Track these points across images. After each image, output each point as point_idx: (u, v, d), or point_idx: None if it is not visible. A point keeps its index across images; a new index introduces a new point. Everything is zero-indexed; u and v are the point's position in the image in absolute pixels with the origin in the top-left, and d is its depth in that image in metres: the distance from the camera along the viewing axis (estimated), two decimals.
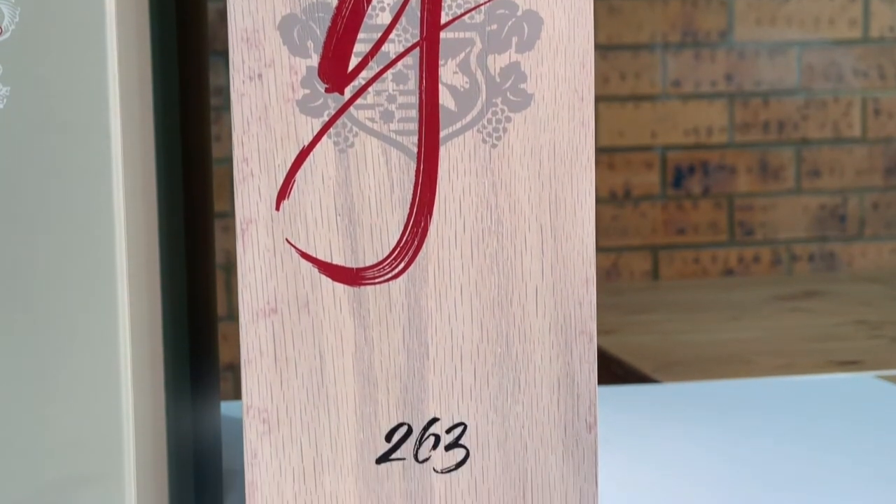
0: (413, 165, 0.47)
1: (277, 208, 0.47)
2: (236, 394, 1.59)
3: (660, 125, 1.91)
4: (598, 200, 1.92)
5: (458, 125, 0.47)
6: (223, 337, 1.80)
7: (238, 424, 0.78)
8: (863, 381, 0.97)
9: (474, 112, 0.47)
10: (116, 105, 0.45)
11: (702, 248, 1.93)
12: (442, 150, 0.47)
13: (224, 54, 1.80)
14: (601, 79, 1.89)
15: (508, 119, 0.47)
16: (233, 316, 1.87)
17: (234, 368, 1.80)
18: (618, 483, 0.68)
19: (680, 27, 1.90)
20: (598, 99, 1.90)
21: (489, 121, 0.47)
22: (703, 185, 1.92)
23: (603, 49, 1.89)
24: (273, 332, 0.47)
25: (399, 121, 0.47)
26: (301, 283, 0.47)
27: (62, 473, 0.46)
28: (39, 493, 0.46)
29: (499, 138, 0.47)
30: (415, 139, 0.47)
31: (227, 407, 0.84)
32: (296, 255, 0.47)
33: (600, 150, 1.90)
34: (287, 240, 0.47)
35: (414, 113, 0.47)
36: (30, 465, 0.46)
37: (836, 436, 0.75)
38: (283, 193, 0.47)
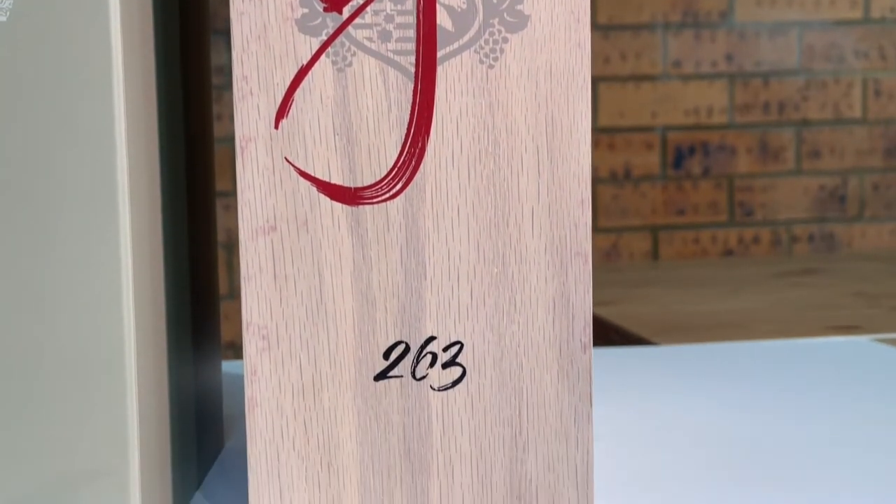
0: (410, 85, 0.47)
1: (276, 127, 0.47)
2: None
3: (660, 105, 1.91)
4: (598, 181, 1.93)
5: (456, 45, 0.47)
6: (224, 316, 1.80)
7: (238, 379, 0.78)
8: (860, 344, 0.97)
9: (471, 32, 0.47)
10: (120, 73, 0.46)
11: (702, 229, 1.93)
12: (439, 71, 0.47)
13: (225, 33, 1.80)
14: (601, 59, 1.90)
15: (505, 40, 0.47)
16: (233, 295, 1.87)
17: (235, 347, 1.80)
18: (608, 432, 0.68)
19: (680, 7, 1.90)
20: (599, 79, 1.90)
21: (486, 41, 0.47)
22: (703, 165, 1.92)
23: (604, 29, 1.89)
24: (272, 250, 0.48)
25: (397, 41, 0.47)
26: (300, 201, 0.47)
27: (69, 419, 0.47)
28: (50, 451, 0.47)
29: (496, 59, 0.47)
30: (412, 59, 0.47)
31: (227, 365, 0.85)
32: (294, 174, 0.47)
33: (600, 131, 1.90)
34: (286, 158, 0.47)
35: (411, 33, 0.47)
36: (42, 421, 0.47)
37: (834, 394, 0.76)
38: (282, 112, 0.47)
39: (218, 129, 1.78)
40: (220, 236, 1.88)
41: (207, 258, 0.62)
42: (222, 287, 1.89)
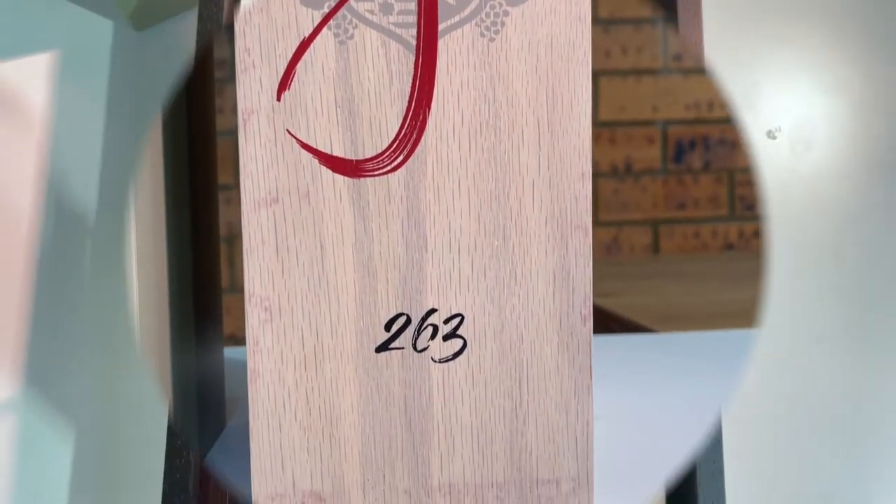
0: (412, 58, 0.48)
1: (278, 99, 0.47)
2: None
3: (661, 100, 1.91)
4: (598, 175, 1.93)
5: (457, 18, 0.48)
6: (226, 309, 1.80)
7: (240, 365, 0.78)
8: None
9: (472, 6, 0.47)
10: None
11: (702, 223, 1.93)
12: (440, 43, 0.47)
13: (227, 27, 1.80)
14: (602, 53, 1.90)
15: (506, 13, 0.48)
16: (235, 288, 1.87)
17: (236, 339, 1.80)
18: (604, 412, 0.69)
19: None
20: (599, 73, 1.90)
21: (487, 14, 0.48)
22: (703, 159, 1.93)
23: (604, 23, 1.89)
24: (274, 222, 0.48)
25: (398, 13, 0.47)
26: (302, 173, 0.48)
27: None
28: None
29: (497, 32, 0.48)
30: (413, 32, 0.47)
31: (231, 351, 0.85)
32: (296, 146, 0.48)
33: (601, 125, 1.90)
34: (288, 130, 0.48)
35: (413, 6, 0.47)
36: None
37: None
38: (284, 84, 0.47)
39: (220, 122, 1.78)
40: (222, 230, 1.88)
41: (209, 251, 0.62)
42: (223, 281, 1.89)
